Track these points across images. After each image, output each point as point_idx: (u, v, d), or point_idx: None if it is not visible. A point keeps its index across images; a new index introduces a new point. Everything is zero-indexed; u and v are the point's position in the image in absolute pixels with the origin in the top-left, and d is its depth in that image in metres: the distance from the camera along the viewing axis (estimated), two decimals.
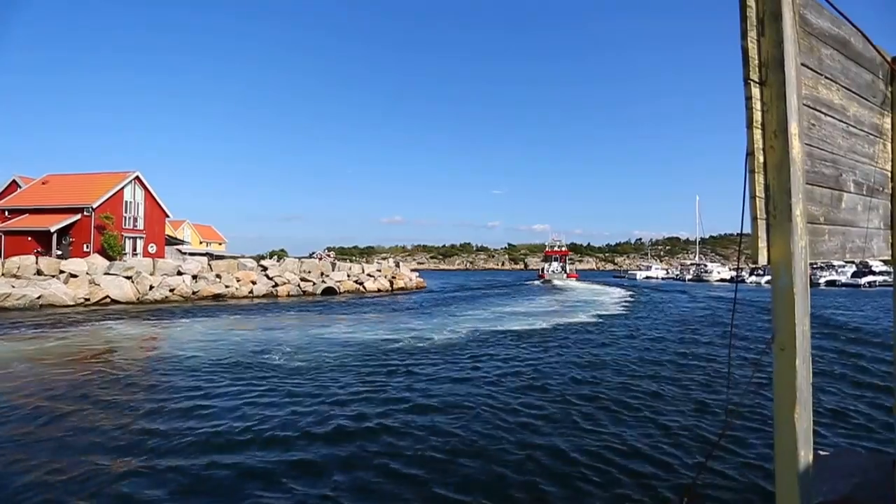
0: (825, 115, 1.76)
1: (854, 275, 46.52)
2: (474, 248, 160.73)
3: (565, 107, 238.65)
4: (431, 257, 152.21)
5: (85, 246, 30.20)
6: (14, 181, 35.52)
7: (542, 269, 61.38)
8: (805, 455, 1.43)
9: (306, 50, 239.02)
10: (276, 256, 41.11)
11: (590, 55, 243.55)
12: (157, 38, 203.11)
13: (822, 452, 2.31)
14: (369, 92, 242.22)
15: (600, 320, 17.73)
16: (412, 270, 45.10)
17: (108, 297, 22.95)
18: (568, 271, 59.14)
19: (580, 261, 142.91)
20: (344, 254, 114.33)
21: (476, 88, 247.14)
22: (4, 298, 19.62)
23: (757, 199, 1.52)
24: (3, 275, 21.87)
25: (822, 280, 46.34)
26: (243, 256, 37.79)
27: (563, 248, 66.77)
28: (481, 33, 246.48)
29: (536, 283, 52.17)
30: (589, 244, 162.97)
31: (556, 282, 52.94)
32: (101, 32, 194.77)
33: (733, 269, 64.83)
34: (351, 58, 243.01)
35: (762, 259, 1.51)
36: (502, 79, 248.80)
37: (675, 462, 4.89)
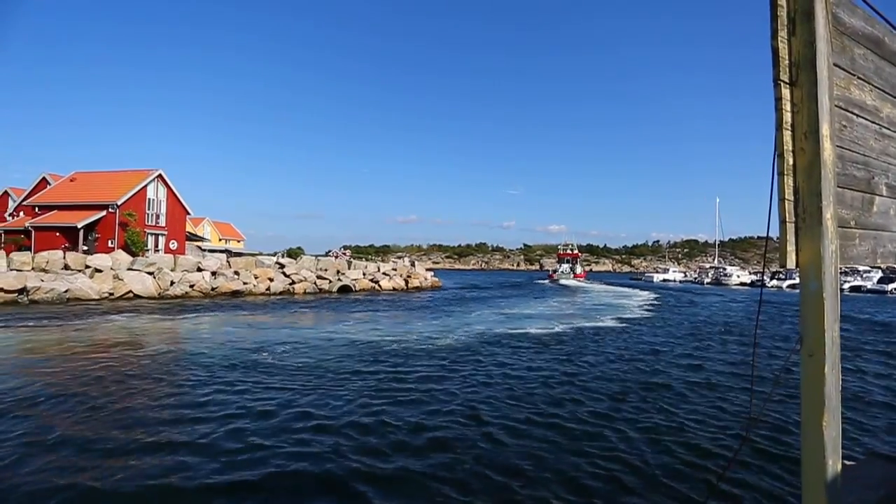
0: (857, 116, 1.72)
1: (881, 280, 45.10)
2: (490, 249, 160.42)
3: (581, 105, 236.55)
4: (447, 257, 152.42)
5: (109, 242, 31.02)
6: (44, 178, 36.66)
7: (552, 270, 69.57)
8: (833, 464, 1.40)
9: (324, 48, 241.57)
10: (283, 254, 41.52)
11: (609, 53, 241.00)
12: (173, 34, 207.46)
13: (849, 462, 2.25)
14: (386, 91, 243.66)
15: (623, 324, 17.22)
16: (427, 270, 45.15)
17: (131, 291, 23.51)
18: (576, 272, 65.74)
19: (596, 262, 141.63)
20: (360, 252, 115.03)
21: (492, 86, 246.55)
22: (34, 291, 20.26)
23: (786, 201, 1.49)
24: (32, 269, 22.58)
25: (846, 285, 45.02)
26: (261, 254, 38.38)
27: (574, 251, 73.71)
28: (498, 31, 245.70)
29: (546, 282, 58.37)
30: (605, 245, 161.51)
31: (562, 281, 59.85)
32: (123, 28, 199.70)
33: (753, 273, 63.69)
34: (367, 56, 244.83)
35: (790, 262, 1.49)
36: (516, 76, 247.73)
37: (692, 473, 4.78)
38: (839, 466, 1.43)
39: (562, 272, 65.15)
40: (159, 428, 5.65)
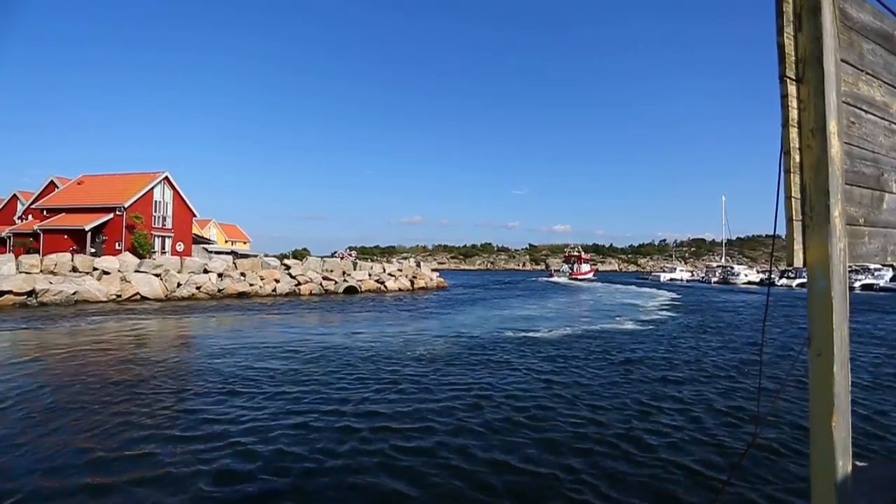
0: (866, 112, 1.69)
1: (893, 279, 44.53)
2: (495, 249, 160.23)
3: (587, 106, 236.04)
4: (452, 257, 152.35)
5: (117, 244, 31.28)
6: (52, 181, 37.04)
7: (553, 270, 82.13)
8: (843, 466, 1.38)
9: (328, 50, 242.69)
10: (288, 256, 41.57)
11: (612, 54, 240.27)
12: (176, 36, 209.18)
13: (860, 463, 2.22)
14: (390, 92, 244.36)
15: (637, 327, 16.82)
16: (433, 270, 45.13)
17: (138, 293, 23.69)
18: (573, 271, 73.65)
19: (602, 262, 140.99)
20: (365, 253, 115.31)
21: (496, 88, 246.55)
22: (43, 294, 20.46)
23: (792, 199, 1.47)
24: (41, 271, 22.80)
25: (857, 284, 44.49)
26: (267, 255, 38.53)
27: (578, 253, 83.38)
28: (502, 32, 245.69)
29: (543, 279, 66.03)
30: (612, 245, 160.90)
31: (556, 278, 68.59)
32: (129, 30, 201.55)
33: (761, 272, 63.23)
34: (372, 58, 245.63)
35: (797, 261, 1.47)
36: (522, 78, 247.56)
37: (697, 474, 4.73)
38: (850, 467, 1.41)
39: (561, 272, 75.42)
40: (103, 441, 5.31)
